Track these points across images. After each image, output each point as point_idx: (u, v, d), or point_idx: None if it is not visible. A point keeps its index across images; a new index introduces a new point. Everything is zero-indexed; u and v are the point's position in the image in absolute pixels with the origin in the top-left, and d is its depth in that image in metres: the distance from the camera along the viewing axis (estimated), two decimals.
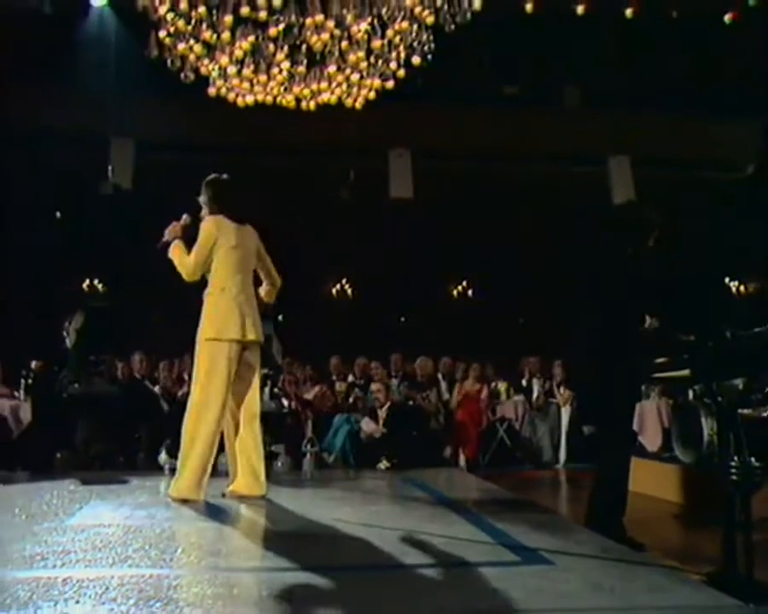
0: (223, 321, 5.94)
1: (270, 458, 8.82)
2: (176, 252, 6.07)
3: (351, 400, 10.34)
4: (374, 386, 10.17)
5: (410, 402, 10.47)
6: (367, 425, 9.61)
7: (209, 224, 6.09)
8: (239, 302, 5.99)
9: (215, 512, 5.64)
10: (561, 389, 11.06)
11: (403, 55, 9.20)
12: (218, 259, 6.08)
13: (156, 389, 10.23)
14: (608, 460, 5.28)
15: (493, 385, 11.63)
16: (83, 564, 3.96)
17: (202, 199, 6.20)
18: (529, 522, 5.21)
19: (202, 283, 6.05)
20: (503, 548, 4.39)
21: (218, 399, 5.86)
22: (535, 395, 11.33)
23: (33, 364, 10.24)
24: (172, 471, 8.24)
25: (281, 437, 9.29)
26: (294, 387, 10.23)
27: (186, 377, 10.45)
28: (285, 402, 9.79)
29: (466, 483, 8.01)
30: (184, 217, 6.24)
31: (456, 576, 3.83)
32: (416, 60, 9.15)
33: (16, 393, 10.17)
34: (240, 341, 5.96)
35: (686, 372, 4.64)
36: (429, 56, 9.11)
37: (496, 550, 4.36)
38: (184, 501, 5.78)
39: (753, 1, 12.81)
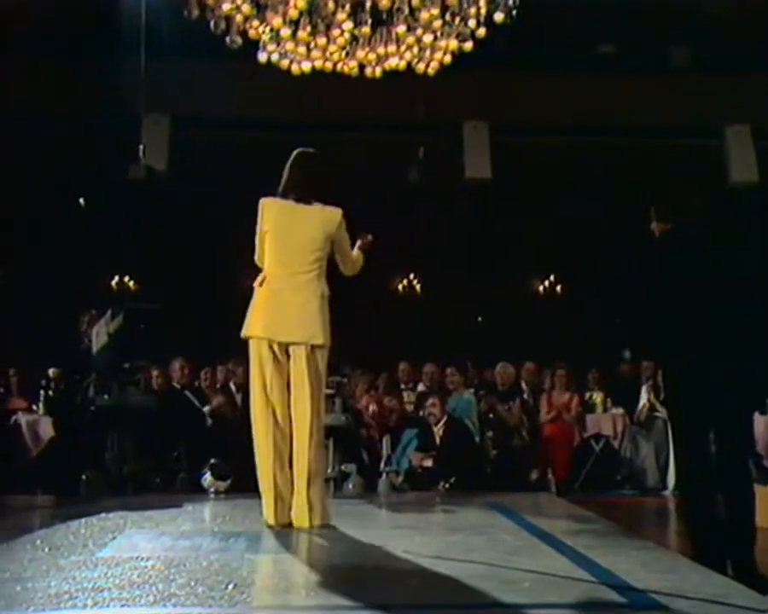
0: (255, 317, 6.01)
1: (340, 479, 8.94)
2: None
3: (421, 412, 10.32)
4: (429, 400, 10.13)
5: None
6: (415, 458, 9.58)
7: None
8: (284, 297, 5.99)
9: (270, 543, 5.66)
10: None
11: (483, 10, 9.09)
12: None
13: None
14: (738, 486, 5.18)
15: (587, 395, 11.55)
16: (118, 602, 3.96)
17: None
18: (634, 557, 5.14)
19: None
20: (605, 588, 4.32)
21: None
22: (639, 406, 11.20)
23: (51, 372, 10.36)
24: (218, 495, 8.39)
25: (353, 456, 9.35)
26: (361, 398, 10.30)
27: (233, 386, 10.55)
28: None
29: (556, 509, 7.98)
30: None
31: None
32: (498, 16, 9.02)
33: (35, 406, 10.29)
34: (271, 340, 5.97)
35: None
36: (515, 12, 8.97)
37: (597, 590, 4.29)
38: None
39: None
